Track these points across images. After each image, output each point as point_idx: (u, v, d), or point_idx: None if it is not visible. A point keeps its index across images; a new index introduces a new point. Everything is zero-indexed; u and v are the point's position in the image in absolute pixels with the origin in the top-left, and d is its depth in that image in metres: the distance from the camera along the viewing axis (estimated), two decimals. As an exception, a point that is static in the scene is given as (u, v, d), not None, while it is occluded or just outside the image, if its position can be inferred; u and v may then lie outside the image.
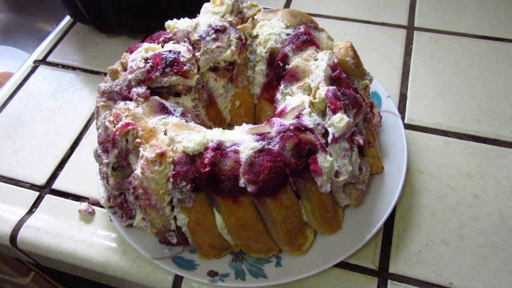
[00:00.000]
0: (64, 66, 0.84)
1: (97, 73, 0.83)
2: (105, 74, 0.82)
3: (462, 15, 0.88)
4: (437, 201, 0.62)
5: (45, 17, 1.28)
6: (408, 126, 0.71)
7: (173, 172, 0.48)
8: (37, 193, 0.66)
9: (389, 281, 0.55)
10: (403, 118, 0.71)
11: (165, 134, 0.52)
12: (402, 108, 0.73)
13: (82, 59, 0.85)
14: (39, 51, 0.87)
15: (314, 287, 0.55)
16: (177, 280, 0.56)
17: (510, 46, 0.81)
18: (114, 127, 0.52)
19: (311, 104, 0.53)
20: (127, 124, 0.51)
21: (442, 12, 0.89)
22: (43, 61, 0.85)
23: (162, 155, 0.48)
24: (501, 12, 0.88)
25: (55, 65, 0.85)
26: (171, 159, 0.49)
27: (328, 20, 0.89)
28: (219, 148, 0.49)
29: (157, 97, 0.55)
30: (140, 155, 0.49)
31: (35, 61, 0.86)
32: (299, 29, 0.61)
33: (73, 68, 0.84)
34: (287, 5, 0.93)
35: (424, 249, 0.58)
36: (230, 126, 0.68)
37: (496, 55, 0.80)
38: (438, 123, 0.71)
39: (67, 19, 0.93)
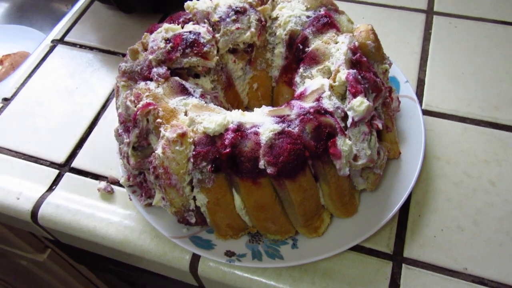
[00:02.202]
0: (81, 46, 0.85)
1: (114, 53, 0.83)
2: (123, 54, 0.82)
3: (483, 0, 0.87)
4: (453, 187, 0.62)
5: (60, -3, 1.28)
6: (425, 112, 0.70)
7: (194, 153, 0.49)
8: (57, 171, 0.68)
9: (403, 265, 0.56)
10: (420, 103, 0.71)
11: (185, 114, 0.52)
12: (419, 94, 0.73)
13: (99, 39, 0.85)
14: (57, 31, 0.88)
15: (329, 269, 0.56)
16: (194, 259, 0.58)
17: (531, 33, 0.80)
18: (135, 107, 0.53)
19: (331, 87, 0.53)
20: (148, 104, 0.52)
21: (463, -4, 0.88)
22: (61, 40, 0.86)
23: (183, 135, 0.49)
24: (523, -3, 0.87)
25: (73, 44, 0.85)
26: (191, 139, 0.49)
27: (346, 3, 0.88)
28: (240, 130, 0.49)
29: (177, 78, 0.56)
30: (161, 135, 0.50)
31: (53, 41, 0.86)
32: (320, 11, 0.60)
33: (91, 48, 0.84)
34: (304, -13, 0.92)
35: (439, 234, 0.58)
36: (247, 109, 0.68)
37: (517, 41, 0.79)
38: (456, 109, 0.71)
39: (84, -2, 0.93)
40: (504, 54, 0.77)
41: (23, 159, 0.69)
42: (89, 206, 0.63)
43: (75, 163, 0.68)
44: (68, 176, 0.67)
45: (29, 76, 0.80)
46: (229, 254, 0.55)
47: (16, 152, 0.70)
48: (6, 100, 0.77)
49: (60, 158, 0.69)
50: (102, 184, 0.65)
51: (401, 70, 0.70)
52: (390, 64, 0.60)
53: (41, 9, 1.28)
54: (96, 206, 0.63)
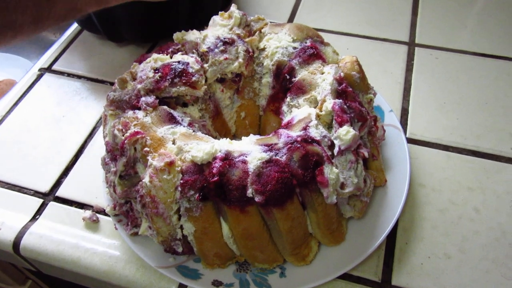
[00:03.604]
0: (69, 75, 0.85)
1: (102, 82, 0.83)
2: (111, 83, 0.83)
3: (462, 33, 0.90)
4: (439, 215, 0.63)
5: (48, 26, 1.28)
6: (409, 140, 0.72)
7: (182, 181, 0.49)
8: (40, 200, 0.66)
9: (391, 293, 0.56)
10: (404, 132, 0.72)
11: (173, 143, 0.53)
12: (403, 123, 0.74)
13: (87, 68, 0.86)
14: (45, 59, 0.88)
15: (318, 298, 0.55)
16: (181, 289, 0.57)
17: (509, 64, 0.83)
18: (123, 135, 0.53)
19: (318, 116, 0.54)
20: (136, 132, 0.52)
21: (442, 29, 0.91)
22: (49, 69, 0.86)
23: (170, 164, 0.49)
24: (499, 30, 0.90)
25: (61, 73, 0.85)
26: (179, 168, 0.49)
27: (331, 34, 0.91)
28: (228, 158, 0.50)
29: (165, 107, 0.56)
30: (149, 163, 0.50)
31: (40, 69, 0.86)
32: (306, 43, 0.62)
33: (79, 77, 0.84)
34: (290, 19, 0.95)
35: (426, 262, 0.58)
36: (235, 137, 0.68)
37: (495, 73, 0.82)
38: (439, 138, 0.72)
39: (73, 28, 0.94)
40: (483, 85, 0.80)
41: (6, 188, 0.68)
42: (74, 236, 0.62)
43: (60, 192, 0.67)
44: (52, 205, 0.66)
45: (16, 104, 0.80)
46: (217, 283, 0.54)
47: (-1, 181, 0.69)
48: (-9, 128, 0.76)
49: (45, 187, 0.68)
50: (87, 213, 0.64)
51: (386, 99, 0.72)
52: (374, 94, 0.62)
53: (28, 38, 1.29)
54: (80, 236, 0.62)
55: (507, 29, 0.90)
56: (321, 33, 0.67)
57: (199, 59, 0.60)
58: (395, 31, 0.91)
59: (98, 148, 0.72)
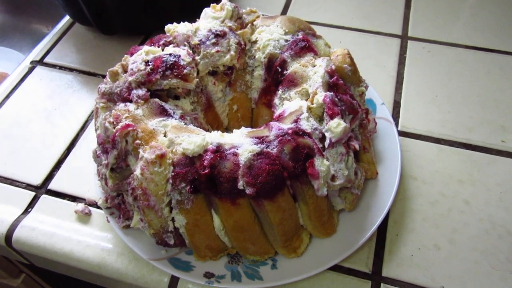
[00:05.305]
0: (61, 68, 0.85)
1: (94, 74, 0.83)
2: (103, 76, 0.82)
3: (455, 26, 0.91)
4: (429, 207, 0.63)
5: (40, 19, 1.28)
6: (401, 133, 0.72)
7: (173, 174, 0.49)
8: (33, 193, 0.66)
9: (382, 284, 0.56)
10: (396, 125, 0.73)
11: (164, 136, 0.53)
12: (395, 115, 0.75)
13: (79, 61, 0.85)
14: (36, 52, 0.87)
15: (309, 289, 0.56)
16: (173, 281, 0.57)
17: (501, 57, 0.84)
18: (114, 128, 0.52)
19: (309, 109, 0.54)
20: (127, 125, 0.52)
21: (435, 22, 0.91)
22: (40, 62, 0.86)
23: (162, 156, 0.49)
24: (492, 24, 0.91)
25: (53, 66, 0.85)
26: (170, 160, 0.49)
27: (324, 28, 0.91)
28: (219, 151, 0.50)
29: (157, 100, 0.56)
30: (140, 156, 0.50)
31: (32, 62, 0.86)
32: (298, 35, 0.62)
33: (71, 70, 0.84)
34: (283, 12, 0.95)
35: (417, 253, 0.59)
36: (227, 130, 0.68)
37: (487, 66, 0.82)
38: (430, 131, 0.73)
39: (65, 20, 0.94)
40: (475, 78, 0.80)
41: (-2, 181, 0.68)
42: (66, 229, 0.62)
43: (52, 185, 0.67)
44: (44, 198, 0.66)
45: (7, 97, 0.80)
46: (208, 275, 0.54)
47: (-9, 174, 0.69)
48: (-17, 121, 0.76)
49: (37, 180, 0.68)
50: (80, 206, 0.64)
51: (378, 92, 0.72)
52: (366, 87, 0.62)
53: (21, 30, 1.28)
54: (72, 229, 0.62)
55: (500, 23, 0.91)
56: (314, 26, 0.67)
57: (191, 51, 0.60)
58: (388, 24, 0.91)
59: (90, 141, 0.72)
